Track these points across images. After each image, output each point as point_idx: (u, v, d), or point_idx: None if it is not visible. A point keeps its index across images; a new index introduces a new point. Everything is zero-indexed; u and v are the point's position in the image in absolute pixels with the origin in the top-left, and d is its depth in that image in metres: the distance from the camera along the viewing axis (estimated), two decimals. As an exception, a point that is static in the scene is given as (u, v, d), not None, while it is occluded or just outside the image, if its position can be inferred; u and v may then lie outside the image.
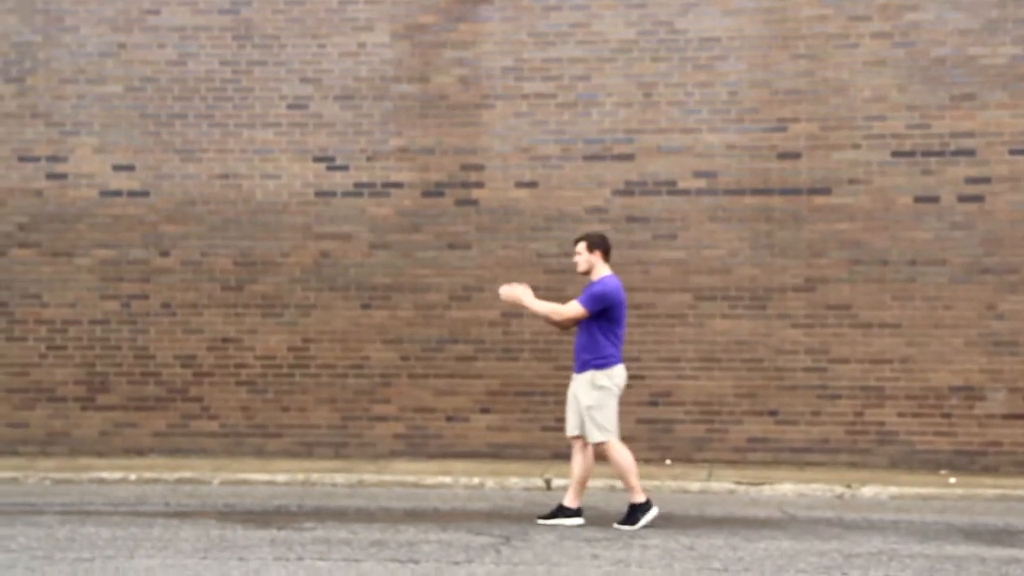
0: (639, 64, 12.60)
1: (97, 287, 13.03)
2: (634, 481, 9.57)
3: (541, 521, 9.70)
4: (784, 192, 12.43)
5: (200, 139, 12.98)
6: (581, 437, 9.67)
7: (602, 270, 9.72)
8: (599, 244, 9.76)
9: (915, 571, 8.08)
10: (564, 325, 9.80)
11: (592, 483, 11.40)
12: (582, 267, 9.76)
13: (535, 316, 9.94)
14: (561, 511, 9.73)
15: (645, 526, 9.48)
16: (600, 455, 9.75)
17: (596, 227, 12.61)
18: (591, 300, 9.53)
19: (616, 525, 9.53)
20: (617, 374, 9.62)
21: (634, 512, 9.57)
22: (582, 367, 9.60)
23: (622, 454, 9.59)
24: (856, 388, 12.33)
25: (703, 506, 10.61)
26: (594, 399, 9.53)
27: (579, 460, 9.72)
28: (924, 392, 12.25)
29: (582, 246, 9.75)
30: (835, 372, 12.35)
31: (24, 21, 13.08)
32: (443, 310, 12.80)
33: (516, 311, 12.69)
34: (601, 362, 9.54)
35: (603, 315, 9.55)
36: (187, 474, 11.83)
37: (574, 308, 9.59)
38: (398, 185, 12.85)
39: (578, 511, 9.73)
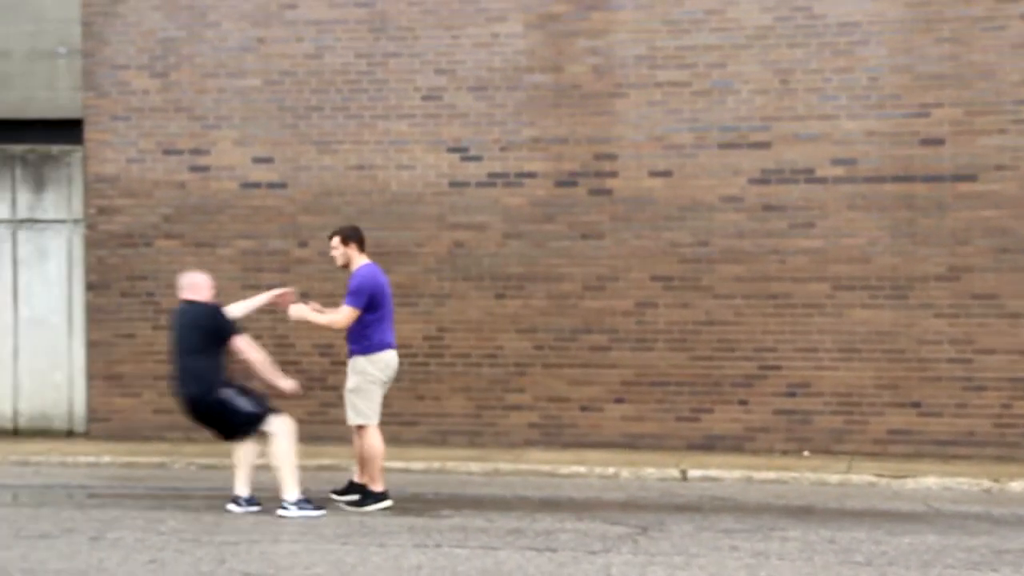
0: (776, 50, 12.41)
1: (238, 277, 13.29)
2: (377, 471, 9.71)
3: (335, 496, 9.90)
4: (927, 179, 12.14)
5: (336, 131, 13.15)
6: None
7: (359, 260, 9.87)
8: (352, 236, 9.91)
9: (1068, 568, 7.83)
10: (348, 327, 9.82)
11: (728, 474, 11.35)
12: (340, 261, 9.93)
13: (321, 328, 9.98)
14: (369, 497, 9.81)
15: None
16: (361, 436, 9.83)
17: (732, 216, 12.50)
18: (354, 296, 9.67)
19: (344, 504, 9.72)
20: (380, 359, 9.72)
21: (367, 497, 9.73)
22: (350, 353, 9.79)
23: (375, 442, 9.69)
24: (1003, 380, 11.99)
25: (843, 499, 10.44)
26: (354, 383, 9.72)
27: (360, 445, 9.85)
28: (1074, 384, 11.87)
29: (336, 241, 9.91)
30: (981, 363, 12.02)
31: (169, 17, 13.40)
32: (577, 300, 12.79)
33: (651, 300, 12.63)
34: (363, 348, 9.70)
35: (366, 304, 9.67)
36: (326, 461, 12.01)
37: (345, 312, 9.69)
38: (531, 175, 12.86)
39: (383, 494, 9.80)
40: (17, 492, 10.77)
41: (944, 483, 10.97)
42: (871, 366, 12.25)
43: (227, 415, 9.59)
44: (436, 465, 11.81)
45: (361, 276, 9.77)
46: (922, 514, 9.77)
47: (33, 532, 8.78)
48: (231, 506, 9.72)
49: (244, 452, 9.78)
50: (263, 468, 11.80)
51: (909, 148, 12.17)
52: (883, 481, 11.10)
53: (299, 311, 9.88)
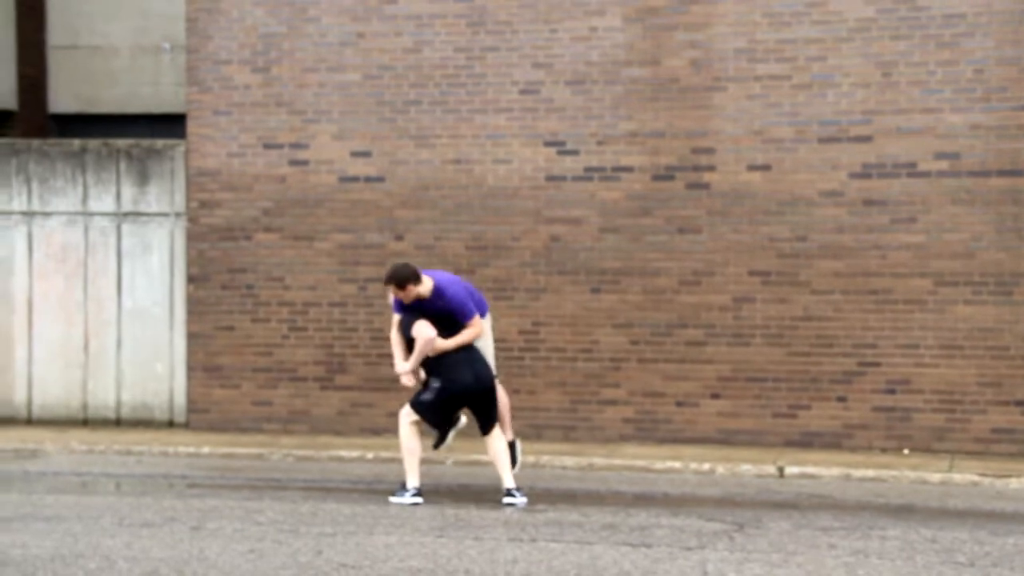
0: (878, 43, 12.21)
1: (336, 270, 13.42)
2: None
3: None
4: (1033, 173, 11.88)
5: (434, 125, 13.21)
6: None
7: (427, 284, 9.72)
8: (408, 277, 9.65)
9: None
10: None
11: (826, 471, 11.22)
12: (408, 301, 9.73)
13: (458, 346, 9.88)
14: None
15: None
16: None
17: (831, 211, 12.33)
18: (465, 309, 9.70)
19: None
20: None
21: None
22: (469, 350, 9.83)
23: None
24: (1111, 379, 11.70)
25: (944, 498, 10.25)
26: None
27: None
28: None
29: (393, 289, 9.71)
30: (1088, 362, 11.74)
31: (270, 13, 13.55)
32: (673, 294, 12.71)
33: (748, 295, 12.51)
34: None
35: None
36: (421, 454, 12.07)
37: (475, 321, 9.75)
38: (628, 169, 12.81)
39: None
40: (120, 481, 11.00)
41: (1050, 484, 10.74)
42: (974, 363, 12.02)
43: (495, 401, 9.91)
44: (531, 459, 11.80)
45: (448, 287, 9.79)
46: (1027, 516, 9.58)
47: (136, 521, 8.96)
48: (508, 499, 9.64)
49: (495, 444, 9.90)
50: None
51: (1015, 142, 11.91)
52: (986, 480, 10.88)
53: (440, 345, 9.75)
